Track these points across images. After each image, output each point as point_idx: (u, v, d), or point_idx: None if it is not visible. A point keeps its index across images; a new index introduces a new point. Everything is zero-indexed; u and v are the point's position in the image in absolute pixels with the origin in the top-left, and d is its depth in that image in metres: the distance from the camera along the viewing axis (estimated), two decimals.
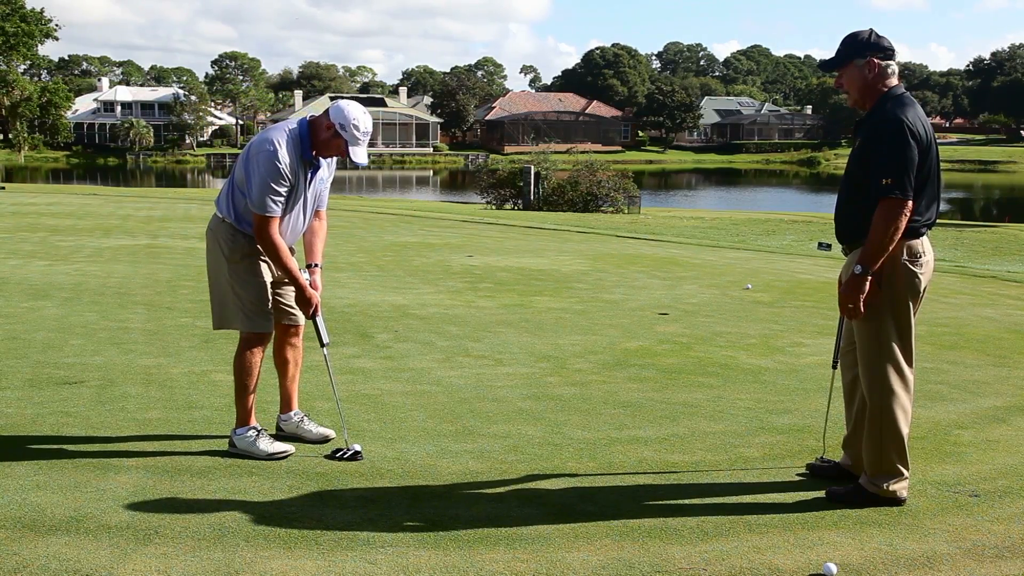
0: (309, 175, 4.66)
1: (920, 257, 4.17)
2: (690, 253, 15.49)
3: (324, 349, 4.87)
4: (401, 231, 18.22)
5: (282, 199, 4.52)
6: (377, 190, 56.00)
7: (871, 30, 4.23)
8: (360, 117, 4.55)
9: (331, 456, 4.71)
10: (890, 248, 4.06)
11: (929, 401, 6.05)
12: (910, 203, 4.02)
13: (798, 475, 4.63)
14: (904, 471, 4.22)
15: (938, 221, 4.36)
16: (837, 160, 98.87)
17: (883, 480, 4.20)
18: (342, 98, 4.90)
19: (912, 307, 4.21)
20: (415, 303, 9.51)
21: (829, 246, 18.37)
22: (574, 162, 34.79)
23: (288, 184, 4.52)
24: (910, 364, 4.23)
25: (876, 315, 4.16)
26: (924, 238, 4.20)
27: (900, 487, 4.21)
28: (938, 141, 4.26)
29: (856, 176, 4.21)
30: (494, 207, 31.80)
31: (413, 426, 5.28)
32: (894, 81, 4.20)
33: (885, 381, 4.18)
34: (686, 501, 4.22)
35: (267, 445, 4.69)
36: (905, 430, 4.21)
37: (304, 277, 4.70)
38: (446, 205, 33.65)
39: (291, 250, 4.71)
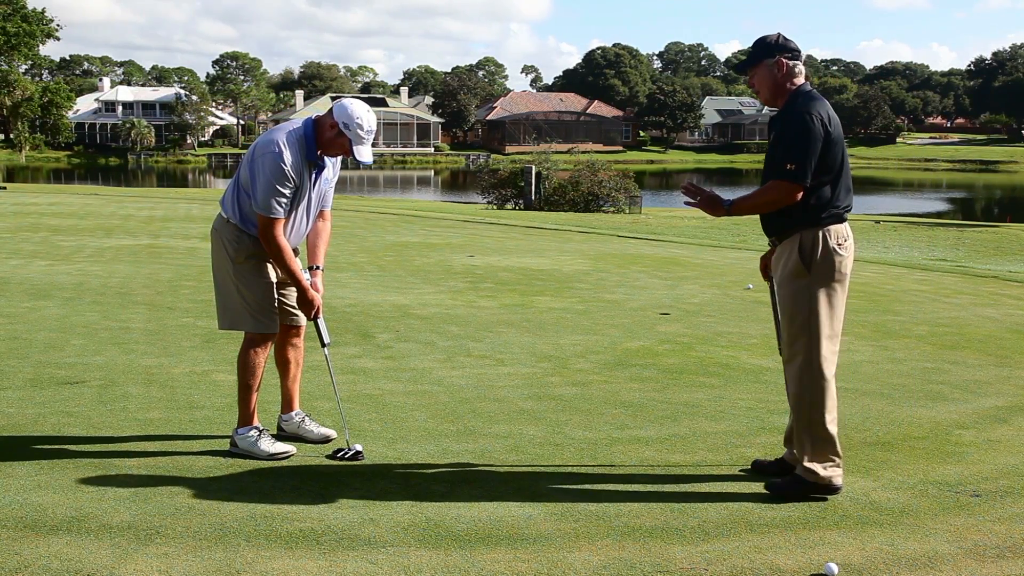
0: (314, 176, 4.66)
1: (844, 241, 4.33)
2: (691, 253, 15.49)
3: (325, 349, 4.87)
4: (402, 231, 18.22)
5: (287, 200, 4.52)
6: (378, 190, 56.03)
7: (779, 33, 4.44)
8: (364, 116, 4.54)
9: (332, 456, 4.71)
10: (753, 212, 4.39)
11: (930, 401, 6.05)
12: (801, 192, 4.21)
13: (741, 470, 4.65)
14: (836, 458, 4.29)
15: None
16: None
17: (817, 467, 4.27)
18: (345, 98, 4.88)
19: (841, 290, 4.33)
20: (416, 303, 9.52)
21: None
22: (575, 162, 34.82)
23: (292, 185, 4.51)
24: (837, 349, 4.35)
25: (804, 302, 4.28)
26: (846, 223, 4.37)
27: (834, 474, 4.29)
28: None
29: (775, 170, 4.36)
30: (495, 207, 31.81)
31: (414, 426, 5.28)
32: (801, 80, 4.40)
33: (816, 368, 4.27)
34: (687, 501, 4.22)
35: (268, 445, 4.69)
36: (833, 416, 4.29)
37: (306, 279, 4.70)
38: (447, 205, 33.66)
39: (295, 251, 4.72)
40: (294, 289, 4.80)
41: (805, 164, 4.18)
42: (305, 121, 4.62)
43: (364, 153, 4.57)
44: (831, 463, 4.29)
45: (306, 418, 5.01)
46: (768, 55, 4.37)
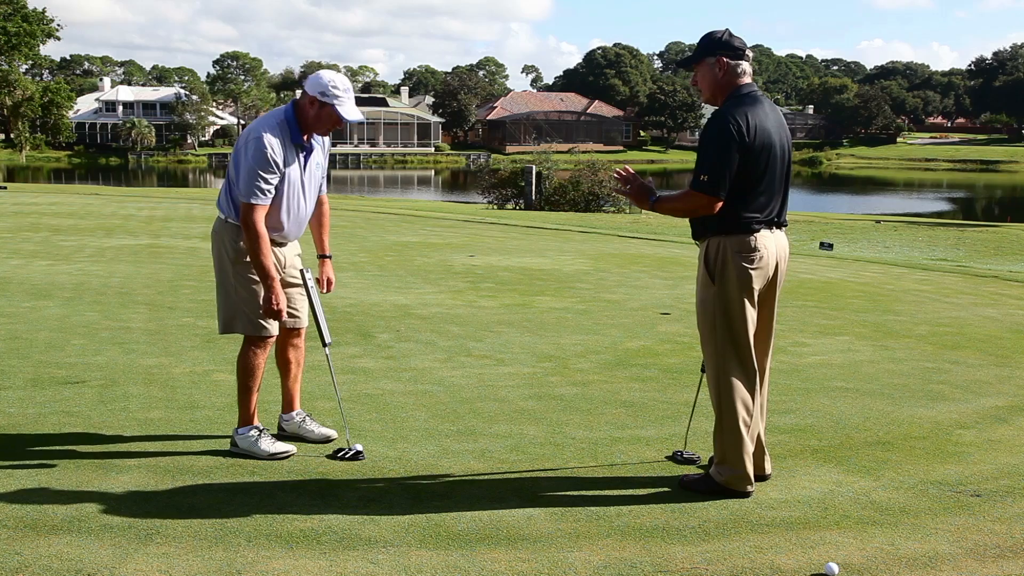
0: (303, 159, 4.65)
1: (753, 252, 4.22)
2: (692, 253, 15.48)
3: (326, 349, 4.87)
4: (403, 231, 18.22)
5: (270, 187, 4.48)
6: (379, 190, 56.00)
7: (726, 30, 4.32)
8: (335, 77, 4.54)
9: (333, 456, 4.71)
10: (672, 214, 4.35)
11: (931, 401, 6.05)
12: (718, 204, 4.13)
13: (667, 458, 4.79)
14: (747, 463, 4.26)
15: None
16: (839, 160, 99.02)
17: (727, 472, 4.27)
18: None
19: (747, 302, 4.25)
20: (417, 303, 9.52)
21: (831, 246, 18.40)
22: (576, 162, 34.82)
23: (276, 172, 4.48)
24: (749, 357, 4.29)
25: (710, 311, 4.29)
26: (762, 233, 4.25)
27: (744, 479, 4.27)
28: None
29: None
30: (496, 207, 31.82)
31: (415, 426, 5.28)
32: (744, 80, 4.29)
33: (723, 375, 4.27)
34: (687, 501, 4.22)
35: (269, 445, 4.69)
36: (744, 423, 4.25)
37: (278, 279, 4.69)
38: (448, 205, 33.66)
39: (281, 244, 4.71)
40: (294, 290, 4.80)
41: (719, 176, 4.08)
42: (285, 107, 4.63)
43: (351, 112, 4.55)
44: (740, 468, 4.26)
45: (307, 418, 5.01)
46: (710, 53, 4.26)
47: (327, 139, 4.84)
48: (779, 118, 4.32)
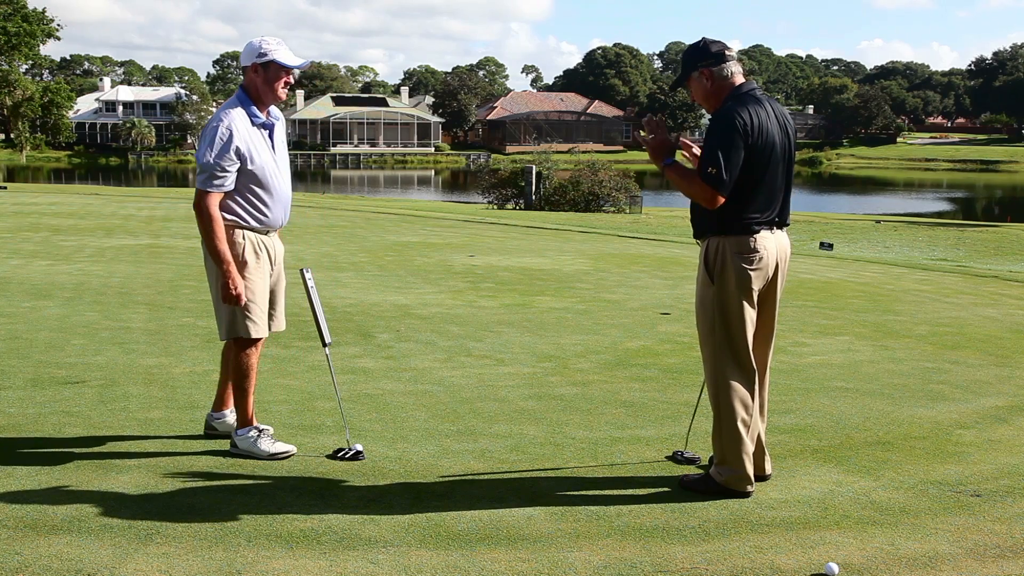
0: (268, 139, 4.66)
1: (753, 253, 4.22)
2: (692, 253, 15.48)
3: (326, 349, 4.87)
4: (403, 231, 18.21)
5: (227, 175, 4.48)
6: (379, 190, 56.01)
7: (701, 39, 4.32)
8: (262, 37, 4.58)
9: (333, 456, 4.71)
10: (676, 186, 4.29)
11: (931, 401, 6.05)
12: (720, 199, 4.12)
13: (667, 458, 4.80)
14: (745, 464, 4.25)
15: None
16: (839, 160, 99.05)
17: (727, 472, 4.27)
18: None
19: (746, 302, 4.25)
20: (417, 303, 9.52)
21: (831, 245, 18.40)
22: (576, 162, 34.83)
23: (235, 160, 4.49)
24: (748, 357, 4.28)
25: (709, 310, 4.30)
26: (763, 234, 4.25)
27: (743, 478, 4.27)
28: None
29: None
30: (496, 207, 31.84)
31: (415, 426, 5.28)
32: (738, 80, 4.26)
33: (721, 375, 4.27)
34: (687, 501, 4.22)
35: (269, 445, 4.69)
36: (743, 423, 4.25)
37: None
38: (448, 205, 33.66)
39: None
40: (276, 290, 4.80)
41: (725, 170, 4.07)
42: (236, 93, 4.67)
43: (292, 57, 4.58)
44: (740, 468, 4.26)
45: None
46: (693, 68, 4.27)
47: (281, 116, 4.85)
48: (782, 119, 4.33)
